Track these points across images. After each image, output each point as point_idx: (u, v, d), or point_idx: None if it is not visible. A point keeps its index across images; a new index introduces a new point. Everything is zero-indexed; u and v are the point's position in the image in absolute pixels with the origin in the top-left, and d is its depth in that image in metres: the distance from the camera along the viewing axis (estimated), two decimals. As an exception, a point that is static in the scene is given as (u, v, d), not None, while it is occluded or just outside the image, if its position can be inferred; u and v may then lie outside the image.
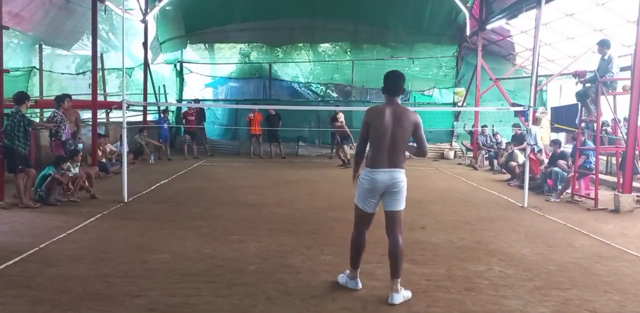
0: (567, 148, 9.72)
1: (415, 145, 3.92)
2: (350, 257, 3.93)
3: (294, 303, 3.63)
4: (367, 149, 3.85)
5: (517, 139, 11.35)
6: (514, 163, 10.27)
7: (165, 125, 13.68)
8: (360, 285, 3.92)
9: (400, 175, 3.74)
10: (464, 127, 14.17)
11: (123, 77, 8.05)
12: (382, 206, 3.82)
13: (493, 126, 13.14)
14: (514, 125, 12.14)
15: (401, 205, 3.78)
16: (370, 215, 3.83)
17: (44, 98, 11.27)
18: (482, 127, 13.03)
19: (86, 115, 13.01)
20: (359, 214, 3.86)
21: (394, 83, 3.83)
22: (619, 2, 9.48)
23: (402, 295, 3.71)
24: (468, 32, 14.58)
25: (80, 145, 9.02)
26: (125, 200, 7.28)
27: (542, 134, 10.72)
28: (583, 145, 8.05)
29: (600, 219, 6.73)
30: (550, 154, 9.26)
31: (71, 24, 12.11)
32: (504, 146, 12.04)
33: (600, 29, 10.74)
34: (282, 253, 4.85)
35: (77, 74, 14.07)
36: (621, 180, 7.33)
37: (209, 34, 15.89)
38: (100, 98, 11.86)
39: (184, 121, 13.95)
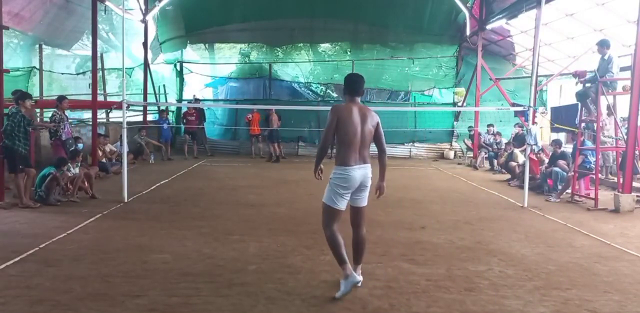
0: (567, 148, 9.72)
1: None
2: (335, 254, 3.89)
3: (294, 303, 3.63)
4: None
5: (519, 139, 11.34)
6: (514, 164, 10.27)
7: (165, 125, 13.71)
8: (359, 277, 3.87)
9: (370, 171, 3.94)
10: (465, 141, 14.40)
11: (123, 77, 8.06)
12: (350, 202, 3.98)
13: (493, 126, 13.15)
14: (518, 125, 12.13)
15: (366, 201, 4.01)
16: (342, 213, 3.90)
17: (44, 98, 11.26)
18: (488, 125, 13.06)
19: (86, 115, 13.03)
20: (331, 213, 3.87)
21: (356, 85, 3.98)
22: (619, 2, 9.47)
23: (361, 278, 3.96)
24: (468, 32, 14.58)
25: (81, 145, 9.04)
26: (125, 200, 7.28)
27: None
28: (582, 145, 8.05)
29: (600, 219, 6.73)
30: (550, 154, 9.26)
31: (71, 24, 12.10)
32: (503, 146, 12.05)
33: (600, 29, 10.74)
34: (282, 253, 4.85)
35: (77, 74, 14.06)
36: (621, 180, 7.33)
37: (209, 34, 15.90)
38: (100, 98, 11.86)
39: (184, 121, 13.97)
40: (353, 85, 3.97)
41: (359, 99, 3.99)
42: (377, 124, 3.94)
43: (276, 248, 5.04)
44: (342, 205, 3.86)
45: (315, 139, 15.31)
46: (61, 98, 8.30)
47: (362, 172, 3.84)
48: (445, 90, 15.86)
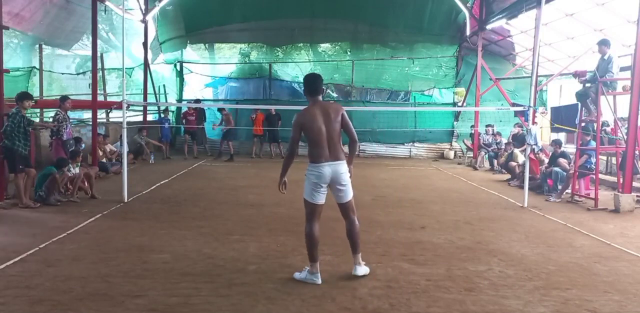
0: (567, 148, 9.71)
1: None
2: (308, 251, 4.11)
3: (294, 303, 3.63)
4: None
5: (519, 139, 11.34)
6: (514, 164, 10.27)
7: (167, 125, 13.72)
8: (320, 280, 4.01)
9: (343, 167, 4.11)
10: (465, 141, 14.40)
11: (123, 77, 8.05)
12: (334, 199, 4.19)
13: (493, 126, 13.16)
14: (518, 125, 12.12)
15: (350, 195, 4.17)
16: (321, 207, 4.12)
17: (44, 98, 11.26)
18: (487, 126, 13.06)
19: (86, 115, 13.03)
20: (311, 208, 4.11)
21: (315, 85, 4.18)
22: (619, 2, 9.47)
23: (365, 268, 4.13)
24: (468, 32, 14.58)
25: (82, 145, 9.04)
26: (125, 200, 7.28)
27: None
28: (587, 146, 8.04)
29: (600, 219, 6.74)
30: (550, 154, 9.26)
31: (71, 24, 12.10)
32: (503, 146, 12.04)
33: (600, 29, 10.74)
34: (282, 253, 4.85)
35: (77, 74, 14.06)
36: (621, 180, 7.33)
37: (209, 34, 15.90)
38: (100, 98, 11.86)
39: (184, 121, 13.97)
40: (312, 85, 4.17)
41: (320, 97, 4.18)
42: (342, 115, 4.12)
43: (276, 248, 5.04)
44: (319, 199, 4.08)
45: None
46: (64, 98, 8.29)
47: (333, 169, 4.04)
48: (445, 90, 15.85)
